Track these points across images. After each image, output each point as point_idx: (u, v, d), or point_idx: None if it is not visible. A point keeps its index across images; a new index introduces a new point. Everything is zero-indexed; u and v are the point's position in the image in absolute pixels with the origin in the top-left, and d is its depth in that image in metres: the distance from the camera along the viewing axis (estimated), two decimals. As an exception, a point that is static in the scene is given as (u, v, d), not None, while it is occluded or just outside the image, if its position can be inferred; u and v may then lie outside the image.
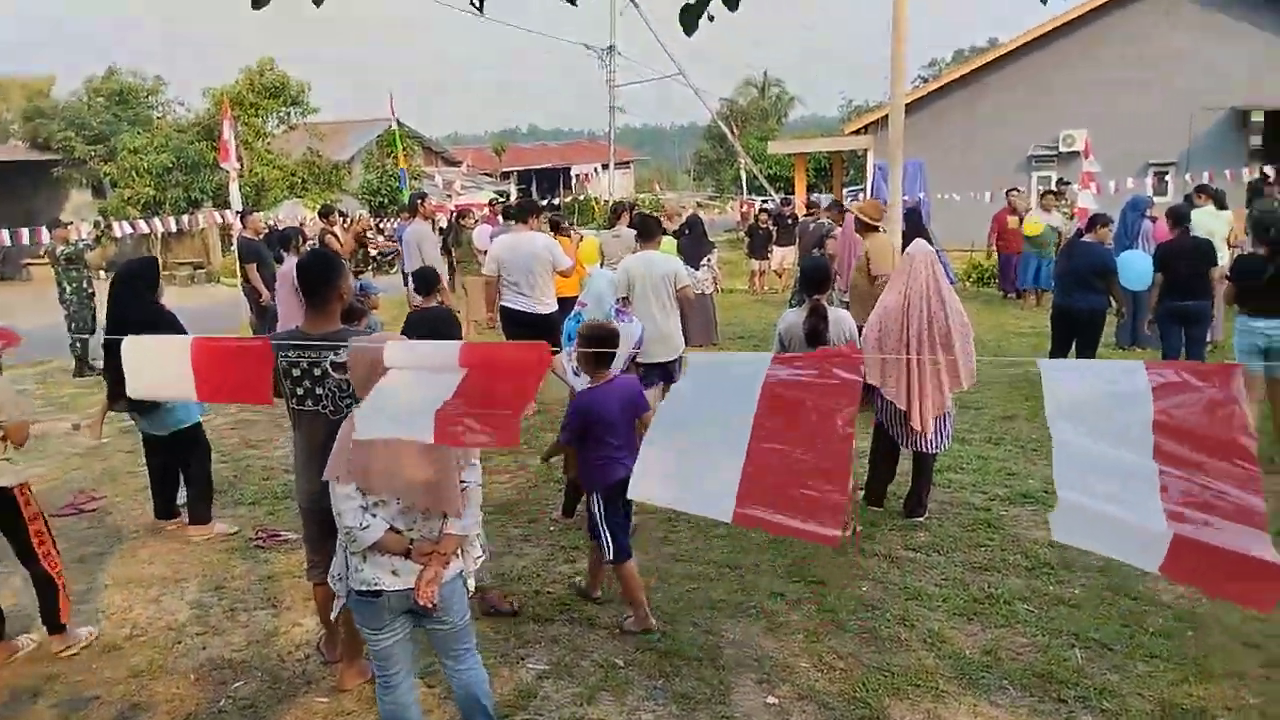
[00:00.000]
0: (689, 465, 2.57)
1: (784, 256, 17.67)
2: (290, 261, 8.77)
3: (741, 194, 37.90)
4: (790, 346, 5.34)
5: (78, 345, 11.29)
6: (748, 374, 2.56)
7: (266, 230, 13.74)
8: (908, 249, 5.52)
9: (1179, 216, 7.90)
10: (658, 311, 6.72)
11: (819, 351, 4.44)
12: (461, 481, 3.11)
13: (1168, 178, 21.35)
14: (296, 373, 3.61)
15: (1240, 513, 2.08)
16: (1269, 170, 15.51)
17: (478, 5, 3.34)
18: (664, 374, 6.73)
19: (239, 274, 11.75)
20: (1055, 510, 2.20)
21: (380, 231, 26.82)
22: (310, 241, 11.78)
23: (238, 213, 14.16)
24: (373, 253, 27.29)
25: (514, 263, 7.84)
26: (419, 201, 11.77)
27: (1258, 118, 20.36)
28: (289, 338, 3.71)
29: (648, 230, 7.18)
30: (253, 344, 3.42)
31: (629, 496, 2.69)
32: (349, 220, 20.45)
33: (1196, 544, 2.08)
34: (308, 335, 3.63)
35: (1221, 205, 10.53)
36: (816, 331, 5.14)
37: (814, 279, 5.48)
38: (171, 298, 6.71)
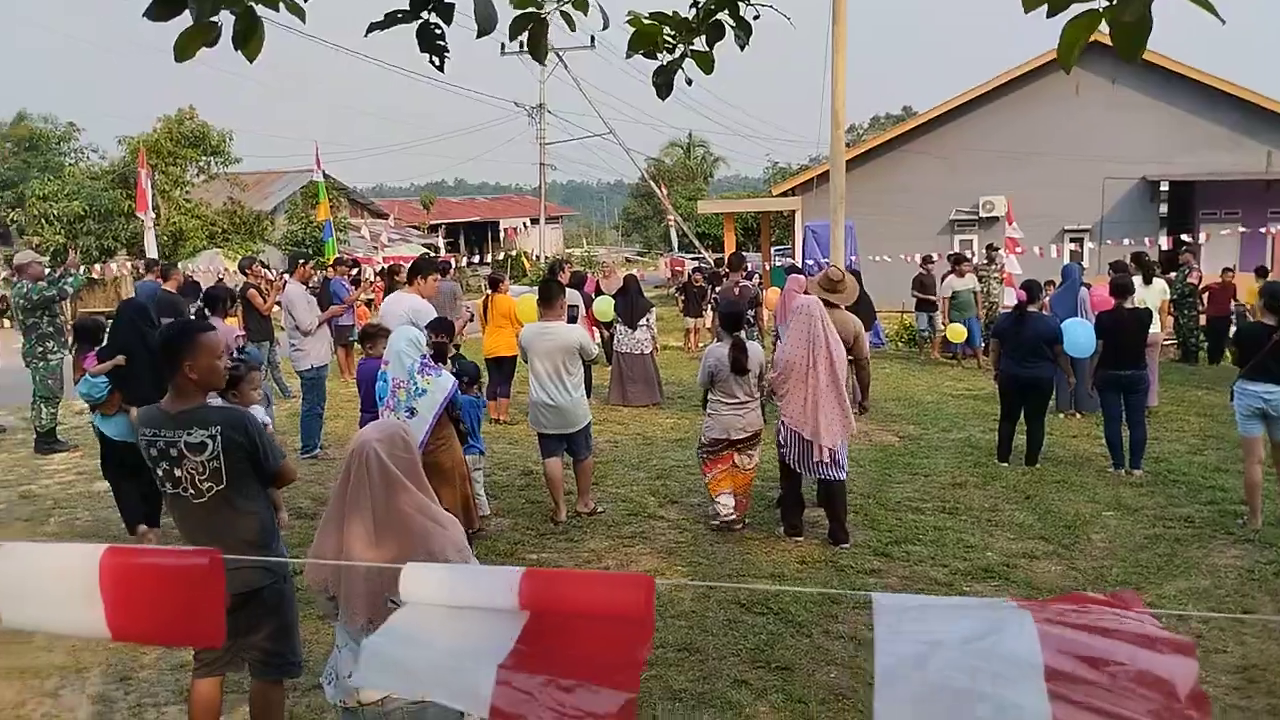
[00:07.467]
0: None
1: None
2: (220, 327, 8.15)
3: (671, 251, 38.14)
4: (718, 375, 6.40)
5: (44, 415, 9.35)
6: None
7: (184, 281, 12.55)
8: (799, 301, 6.45)
9: (1124, 288, 8.00)
10: (551, 384, 6.79)
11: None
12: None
13: (1084, 243, 21.99)
14: (154, 453, 3.41)
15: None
16: (1186, 238, 16.10)
17: (438, 65, 3.08)
18: (562, 444, 6.96)
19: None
20: None
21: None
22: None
23: (152, 262, 13.51)
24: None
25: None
26: (300, 263, 11.12)
27: (1165, 188, 21.22)
28: (148, 416, 3.52)
29: (548, 296, 7.01)
30: (195, 561, 2.02)
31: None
32: (276, 272, 19.61)
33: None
34: (166, 413, 3.43)
35: (1151, 276, 10.77)
36: (738, 361, 6.37)
37: (731, 318, 6.79)
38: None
